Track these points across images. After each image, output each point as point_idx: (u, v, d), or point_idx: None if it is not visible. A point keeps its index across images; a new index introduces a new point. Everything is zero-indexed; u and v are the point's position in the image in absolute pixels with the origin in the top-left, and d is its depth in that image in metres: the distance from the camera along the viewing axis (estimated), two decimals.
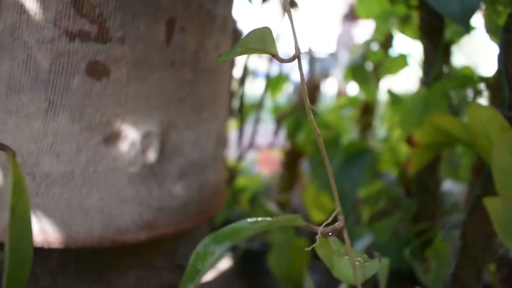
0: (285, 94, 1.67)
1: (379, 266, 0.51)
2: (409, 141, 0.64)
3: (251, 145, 1.27)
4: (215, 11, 0.56)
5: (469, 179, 0.64)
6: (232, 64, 0.78)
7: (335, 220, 0.33)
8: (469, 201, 0.62)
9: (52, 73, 0.46)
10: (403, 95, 1.06)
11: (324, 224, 0.32)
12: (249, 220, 0.30)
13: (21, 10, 0.45)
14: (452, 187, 1.19)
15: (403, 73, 1.06)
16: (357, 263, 0.31)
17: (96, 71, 0.47)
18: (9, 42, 0.46)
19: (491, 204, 0.46)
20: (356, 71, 1.04)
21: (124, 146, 0.50)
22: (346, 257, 0.32)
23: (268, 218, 0.31)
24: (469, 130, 0.50)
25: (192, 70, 0.54)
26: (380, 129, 1.36)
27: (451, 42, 0.81)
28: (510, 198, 0.44)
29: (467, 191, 0.64)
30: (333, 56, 2.19)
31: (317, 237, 0.32)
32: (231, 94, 1.06)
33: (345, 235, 0.32)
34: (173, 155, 0.54)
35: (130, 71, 0.49)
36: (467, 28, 0.57)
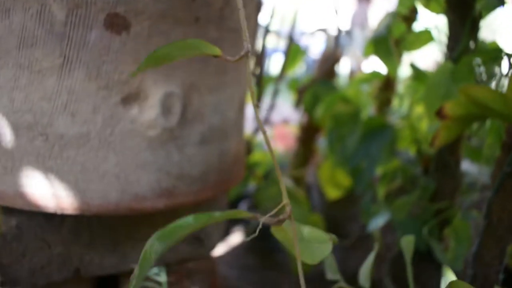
0: (301, 69, 1.64)
1: (404, 244, 0.49)
2: (440, 114, 0.61)
3: (268, 119, 1.24)
4: None
5: (496, 156, 0.62)
6: (255, 29, 0.74)
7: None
8: (495, 179, 0.59)
9: (68, 26, 0.43)
10: (426, 70, 1.03)
11: (269, 215, 0.33)
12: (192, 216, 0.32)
13: None
14: (469, 167, 1.17)
15: (422, 49, 1.02)
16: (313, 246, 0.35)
17: (116, 24, 0.44)
18: None
19: None
20: (379, 44, 1.00)
21: (143, 107, 0.47)
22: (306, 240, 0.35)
23: (212, 213, 0.32)
24: (508, 101, 0.48)
25: (217, 28, 0.50)
26: (398, 106, 1.33)
27: (479, 16, 0.77)
28: None
29: (494, 169, 0.62)
30: (348, 34, 2.15)
31: (259, 227, 0.33)
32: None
33: (292, 225, 0.33)
34: (194, 119, 0.51)
35: (151, 25, 0.45)
36: (501, 1, 0.54)
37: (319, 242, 0.35)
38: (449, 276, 0.45)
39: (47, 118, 0.45)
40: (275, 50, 1.53)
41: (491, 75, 0.82)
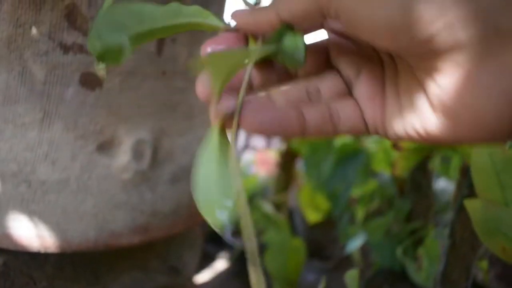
0: None
1: (348, 279, 0.52)
2: (395, 145, 0.65)
3: (247, 146, 1.29)
4: None
5: (457, 179, 0.66)
6: None
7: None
8: (457, 201, 0.63)
9: (47, 84, 0.48)
10: None
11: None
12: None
13: (17, 23, 0.47)
14: (446, 185, 1.20)
15: None
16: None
17: (90, 81, 0.49)
18: (6, 54, 0.48)
19: (471, 205, 0.48)
20: None
21: (117, 153, 0.52)
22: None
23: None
24: None
25: (183, 78, 0.55)
26: None
27: None
28: (489, 200, 0.46)
29: (455, 191, 0.65)
30: None
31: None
32: None
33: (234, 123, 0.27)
34: (165, 161, 0.56)
35: (122, 81, 0.51)
36: None
37: None
38: None
39: (30, 166, 0.50)
40: None
41: None
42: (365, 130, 0.29)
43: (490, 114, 0.23)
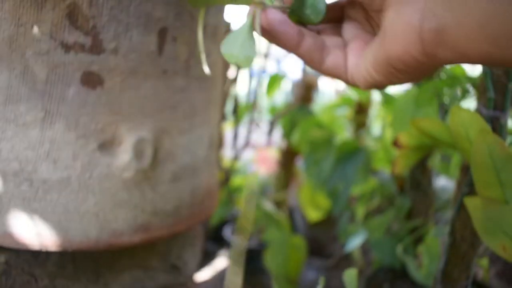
0: (283, 93, 1.68)
1: (347, 277, 0.52)
2: (396, 143, 0.65)
3: (247, 145, 1.29)
4: (206, 20, 0.58)
5: (458, 177, 0.66)
6: (225, 68, 0.80)
7: None
8: (457, 199, 0.63)
9: (49, 84, 0.48)
10: (396, 95, 1.08)
11: None
12: None
13: (19, 23, 0.47)
14: (446, 183, 1.21)
15: None
16: None
17: (91, 80, 0.49)
18: (7, 53, 0.48)
19: (471, 203, 0.48)
20: None
21: (118, 152, 0.52)
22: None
23: None
24: (452, 132, 0.51)
25: (184, 77, 0.56)
26: (375, 128, 1.37)
27: None
28: (489, 198, 0.46)
29: (455, 189, 0.65)
30: None
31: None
32: (225, 96, 1.08)
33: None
34: (166, 160, 0.56)
35: (123, 80, 0.51)
36: None
37: None
38: None
39: (32, 165, 0.50)
40: (252, 73, 1.56)
41: (453, 100, 0.87)
42: (344, 73, 0.39)
43: (412, 29, 0.31)
